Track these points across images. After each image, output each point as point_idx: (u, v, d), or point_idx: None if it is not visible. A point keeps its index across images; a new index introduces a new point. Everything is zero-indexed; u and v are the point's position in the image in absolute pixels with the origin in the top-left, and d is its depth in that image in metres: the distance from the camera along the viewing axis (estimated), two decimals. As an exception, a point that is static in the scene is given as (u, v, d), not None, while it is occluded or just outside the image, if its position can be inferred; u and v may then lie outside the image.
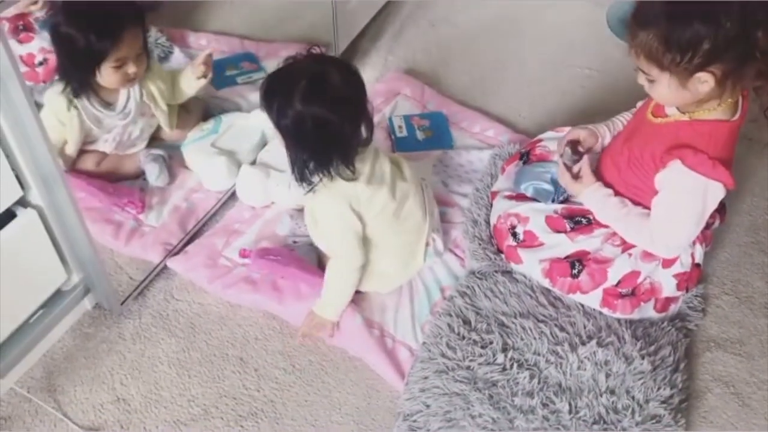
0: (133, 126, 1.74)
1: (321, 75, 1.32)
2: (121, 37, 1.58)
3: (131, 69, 1.62)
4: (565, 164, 1.53)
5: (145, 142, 1.80)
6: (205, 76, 1.77)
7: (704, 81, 1.26)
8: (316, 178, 1.38)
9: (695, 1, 1.21)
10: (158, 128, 1.82)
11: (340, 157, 1.36)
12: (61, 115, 1.64)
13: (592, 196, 1.50)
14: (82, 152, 1.74)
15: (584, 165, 1.51)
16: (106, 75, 1.61)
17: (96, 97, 1.66)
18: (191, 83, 1.78)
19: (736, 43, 1.21)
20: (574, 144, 1.56)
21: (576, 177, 1.51)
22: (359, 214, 1.44)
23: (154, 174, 1.73)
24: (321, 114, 1.30)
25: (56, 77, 1.64)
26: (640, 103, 1.55)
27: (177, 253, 1.65)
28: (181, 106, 1.85)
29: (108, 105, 1.68)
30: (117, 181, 1.74)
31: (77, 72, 1.61)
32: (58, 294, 1.48)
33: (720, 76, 1.26)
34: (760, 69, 1.25)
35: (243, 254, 1.63)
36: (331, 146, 1.35)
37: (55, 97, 1.63)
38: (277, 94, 1.33)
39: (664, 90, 1.32)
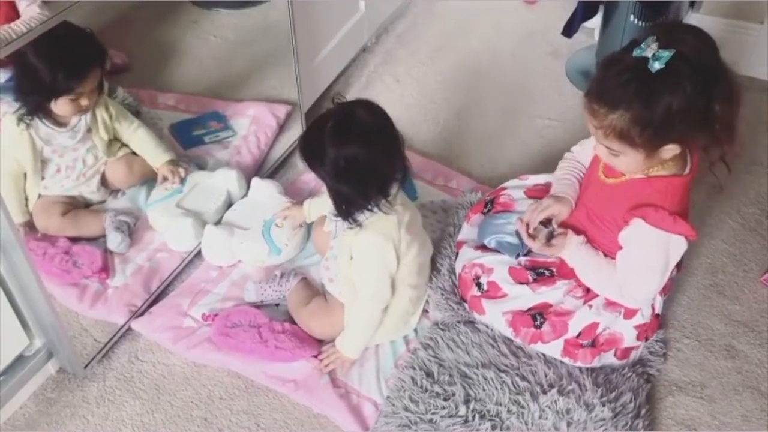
0: (85, 151, 1.78)
1: (345, 116, 1.39)
2: (86, 77, 1.66)
3: (85, 102, 1.70)
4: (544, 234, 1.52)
5: (97, 178, 1.82)
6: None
7: (670, 149, 1.31)
8: (360, 215, 1.42)
9: (663, 80, 1.23)
10: (109, 172, 1.85)
11: (378, 190, 1.41)
12: (14, 134, 1.68)
13: (572, 244, 1.50)
14: (47, 203, 1.75)
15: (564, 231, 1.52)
16: (62, 105, 1.68)
17: (48, 118, 1.71)
18: (154, 160, 1.87)
19: (703, 117, 1.26)
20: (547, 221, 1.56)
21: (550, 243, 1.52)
22: (399, 255, 1.48)
23: (115, 242, 1.74)
24: (352, 151, 1.36)
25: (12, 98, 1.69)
26: (583, 143, 1.60)
27: (141, 314, 1.66)
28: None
29: (59, 124, 1.73)
30: (78, 242, 1.74)
31: (34, 99, 1.67)
32: (20, 359, 1.48)
33: (684, 143, 1.31)
34: (715, 135, 1.30)
35: (204, 318, 1.63)
36: (369, 180, 1.39)
37: (9, 117, 1.67)
38: (309, 145, 1.41)
39: (630, 162, 1.35)
